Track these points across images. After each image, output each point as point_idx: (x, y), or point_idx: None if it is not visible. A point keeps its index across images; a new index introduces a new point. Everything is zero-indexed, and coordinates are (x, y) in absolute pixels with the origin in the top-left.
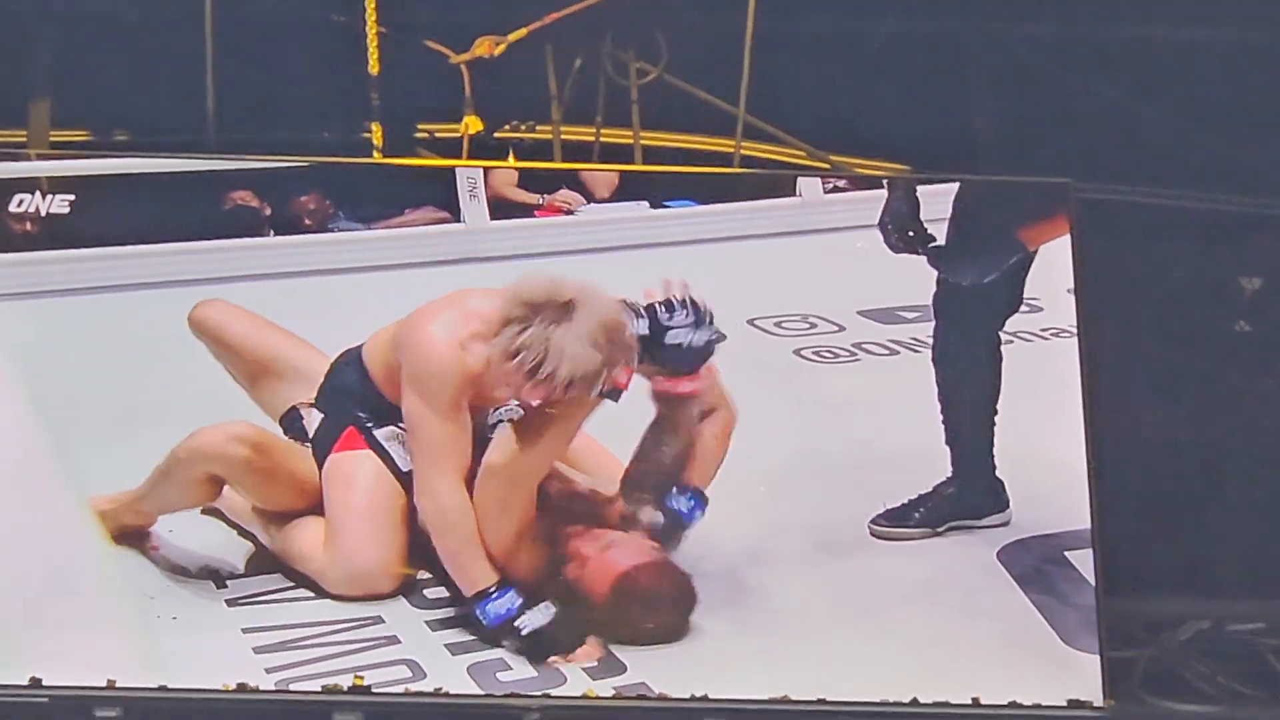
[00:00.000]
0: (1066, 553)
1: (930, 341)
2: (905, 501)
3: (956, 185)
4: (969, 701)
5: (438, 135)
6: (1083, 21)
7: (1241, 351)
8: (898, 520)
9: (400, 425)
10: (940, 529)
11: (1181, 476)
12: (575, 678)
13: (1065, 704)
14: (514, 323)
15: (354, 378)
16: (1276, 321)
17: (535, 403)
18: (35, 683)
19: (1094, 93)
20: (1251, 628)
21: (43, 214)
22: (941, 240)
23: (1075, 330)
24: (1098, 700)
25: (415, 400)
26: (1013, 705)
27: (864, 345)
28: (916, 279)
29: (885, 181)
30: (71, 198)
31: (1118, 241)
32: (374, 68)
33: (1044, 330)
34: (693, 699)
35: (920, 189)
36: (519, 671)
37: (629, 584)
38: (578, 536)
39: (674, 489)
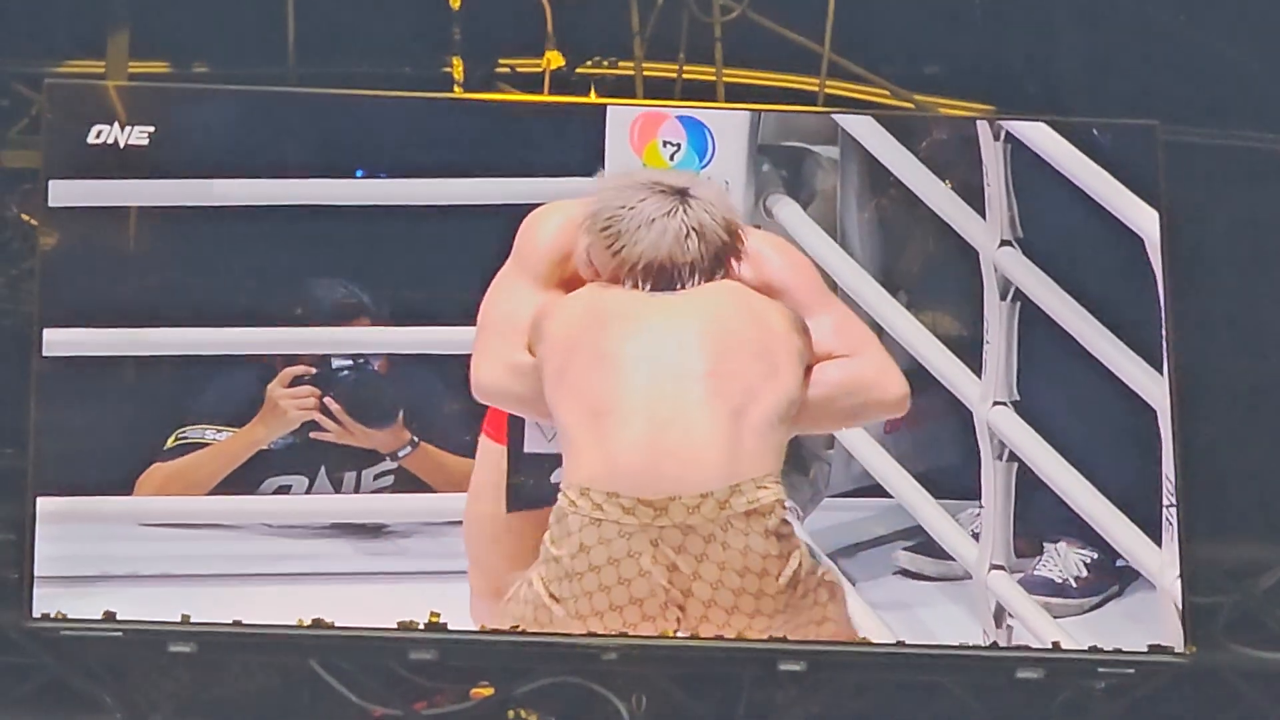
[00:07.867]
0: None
1: None
2: None
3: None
4: (1049, 645)
5: (519, 70)
6: None
7: None
8: None
9: None
10: None
11: (1264, 423)
12: None
13: (1146, 649)
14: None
15: None
16: None
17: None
18: (109, 617)
19: (1182, 33)
20: None
21: (121, 146)
22: None
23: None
24: (1179, 646)
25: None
26: (1093, 650)
27: None
28: None
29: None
30: (151, 129)
31: (1204, 185)
32: (455, 2)
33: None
34: (770, 640)
35: None
36: None
37: None
38: None
39: None
